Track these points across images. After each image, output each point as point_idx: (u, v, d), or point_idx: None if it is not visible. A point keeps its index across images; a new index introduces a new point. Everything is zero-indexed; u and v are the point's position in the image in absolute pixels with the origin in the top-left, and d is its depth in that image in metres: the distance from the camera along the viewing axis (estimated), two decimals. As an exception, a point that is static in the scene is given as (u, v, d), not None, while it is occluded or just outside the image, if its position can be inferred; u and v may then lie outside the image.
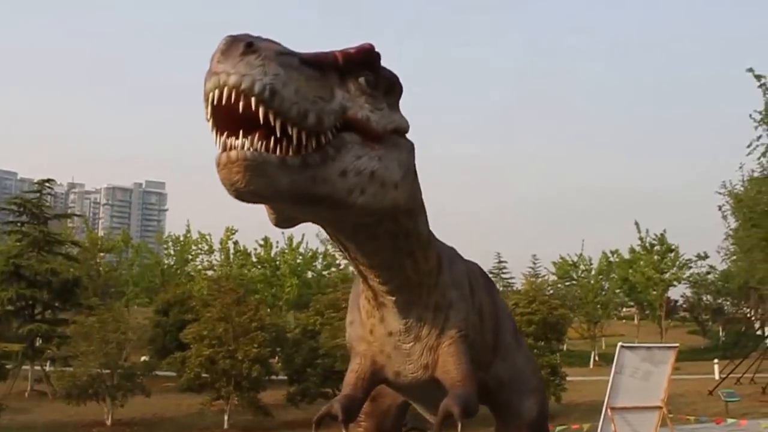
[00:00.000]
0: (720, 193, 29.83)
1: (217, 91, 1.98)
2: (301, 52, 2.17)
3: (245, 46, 1.99)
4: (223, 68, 1.97)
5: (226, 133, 2.06)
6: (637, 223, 47.02)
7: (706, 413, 18.29)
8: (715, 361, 33.04)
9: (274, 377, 22.41)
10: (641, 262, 45.89)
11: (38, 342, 27.81)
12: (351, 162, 2.23)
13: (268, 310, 33.52)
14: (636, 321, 56.30)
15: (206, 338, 20.11)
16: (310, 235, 46.77)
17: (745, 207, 28.00)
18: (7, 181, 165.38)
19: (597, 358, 42.95)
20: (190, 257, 46.69)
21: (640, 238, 46.85)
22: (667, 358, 11.72)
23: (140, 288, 44.53)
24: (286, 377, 23.12)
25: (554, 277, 47.78)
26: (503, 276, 58.53)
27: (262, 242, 46.43)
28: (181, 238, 46.70)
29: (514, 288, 47.39)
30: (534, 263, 52.84)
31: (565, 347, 37.44)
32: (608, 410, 11.43)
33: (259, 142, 2.03)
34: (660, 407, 11.71)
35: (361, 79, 2.36)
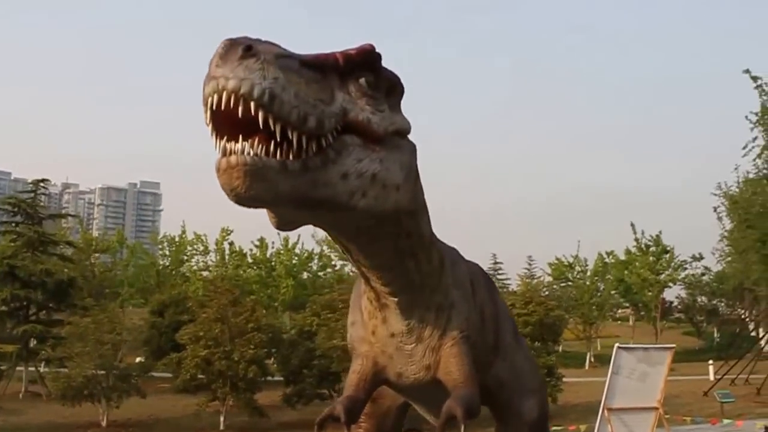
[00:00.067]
0: (715, 195, 29.96)
1: (216, 96, 1.96)
2: (301, 54, 2.15)
3: (244, 49, 1.97)
4: (221, 72, 1.95)
5: (225, 138, 2.05)
6: (632, 225, 47.25)
7: (701, 414, 18.37)
8: (710, 362, 33.12)
9: (269, 378, 22.38)
10: (637, 263, 46.05)
11: (32, 343, 27.69)
12: (352, 165, 2.22)
13: (264, 311, 33.47)
14: (631, 322, 56.44)
15: (202, 339, 20.07)
16: (306, 235, 46.69)
17: (741, 208, 28.10)
18: (1, 181, 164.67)
19: (592, 359, 43.04)
20: (185, 258, 46.60)
21: (636, 239, 47.06)
22: (663, 359, 11.76)
23: (135, 289, 44.43)
24: (282, 378, 23.09)
25: (550, 278, 47.94)
26: (499, 277, 58.64)
27: (257, 243, 46.42)
28: (177, 239, 46.62)
29: (510, 289, 47.44)
30: (529, 264, 52.99)
31: (560, 348, 37.53)
32: (605, 411, 11.45)
33: (259, 147, 2.02)
34: (656, 408, 11.74)
35: (362, 81, 2.34)
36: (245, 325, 20.44)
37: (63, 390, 20.12)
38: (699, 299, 54.36)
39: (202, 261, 46.40)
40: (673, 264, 46.60)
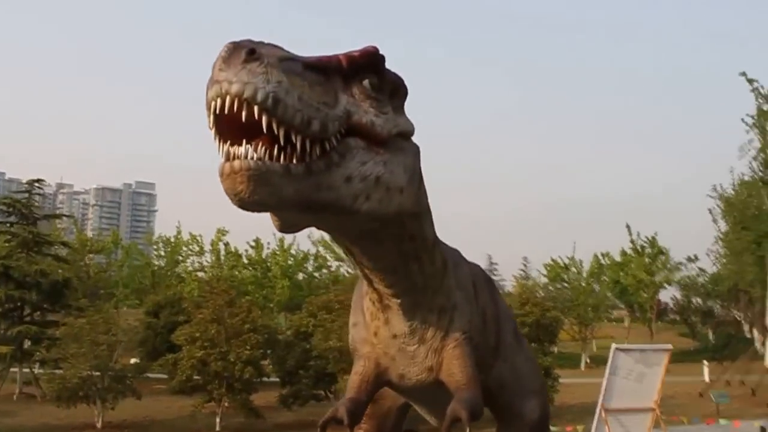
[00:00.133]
0: (711, 197, 30.17)
1: (219, 100, 1.95)
2: (304, 57, 2.14)
3: (247, 52, 1.96)
4: (225, 76, 1.94)
5: (229, 142, 2.04)
6: (628, 226, 47.43)
7: (696, 415, 18.43)
8: (705, 363, 33.27)
9: (265, 379, 22.34)
10: (632, 265, 46.23)
11: (27, 344, 27.55)
12: (356, 168, 2.21)
13: (259, 312, 33.46)
14: (626, 323, 56.60)
15: (198, 340, 20.02)
16: (302, 236, 46.75)
17: (736, 210, 28.28)
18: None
19: (588, 361, 43.11)
20: (180, 259, 46.53)
21: (632, 241, 47.24)
22: (660, 359, 11.78)
23: (130, 289, 44.33)
24: (278, 379, 23.05)
25: (545, 280, 48.02)
26: (494, 278, 58.67)
27: (253, 244, 46.40)
28: (172, 240, 46.53)
29: (505, 290, 47.53)
30: (525, 265, 53.08)
31: (556, 349, 37.56)
32: (602, 412, 11.47)
33: (263, 151, 2.01)
34: (653, 409, 11.76)
35: (366, 83, 2.34)
36: (241, 325, 20.39)
37: (58, 391, 20.03)
38: (694, 300, 54.60)
39: (198, 262, 46.35)
40: (668, 265, 46.81)
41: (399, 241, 2.72)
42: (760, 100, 24.20)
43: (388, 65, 2.43)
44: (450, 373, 3.19)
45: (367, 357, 3.33)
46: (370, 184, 2.26)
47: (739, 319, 52.00)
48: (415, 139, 2.62)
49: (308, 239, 45.23)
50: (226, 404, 20.48)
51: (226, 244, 45.91)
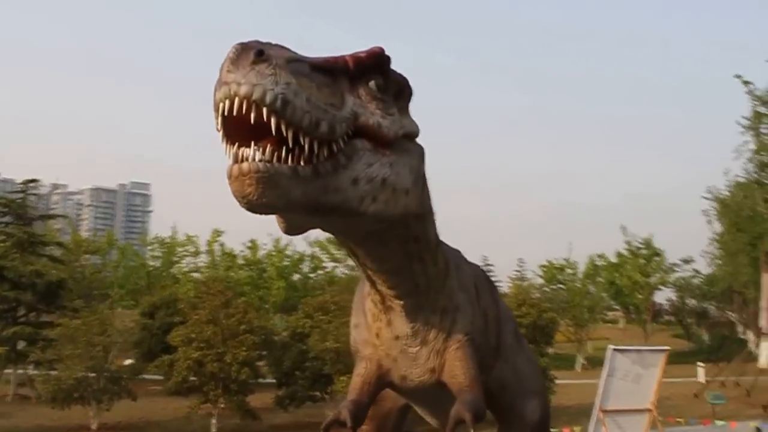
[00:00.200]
0: (706, 198, 30.29)
1: (227, 102, 1.94)
2: (311, 58, 2.14)
3: (256, 54, 1.95)
4: (233, 78, 1.94)
5: (237, 144, 2.03)
6: (623, 228, 47.55)
7: (692, 416, 18.48)
8: (700, 364, 33.38)
9: (261, 380, 22.29)
10: (627, 266, 46.37)
11: (21, 345, 27.43)
12: (362, 170, 2.21)
13: (255, 313, 33.43)
14: (621, 324, 56.76)
15: (194, 341, 19.97)
16: (298, 237, 46.65)
17: (731, 212, 28.40)
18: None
19: (584, 362, 43.19)
20: (176, 259, 46.44)
21: (627, 242, 47.37)
22: (657, 360, 11.82)
23: (125, 290, 44.21)
24: (274, 380, 23.01)
25: (541, 281, 48.11)
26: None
27: (248, 244, 46.33)
28: (167, 240, 46.44)
29: (501, 292, 47.54)
30: (520, 267, 53.17)
31: (551, 350, 37.63)
32: (599, 413, 11.49)
33: (270, 153, 2.00)
34: (650, 410, 11.79)
35: (372, 84, 2.34)
36: (237, 326, 20.35)
37: (53, 392, 19.94)
38: (689, 302, 54.81)
39: (193, 263, 46.27)
40: (663, 267, 46.95)
41: (404, 243, 2.72)
42: (756, 102, 24.42)
43: (401, 71, 2.43)
44: (452, 375, 3.18)
45: (369, 359, 3.32)
46: (377, 185, 2.26)
47: (733, 320, 52.22)
48: (420, 141, 2.62)
49: (304, 240, 45.21)
50: (222, 405, 20.43)
51: (222, 245, 45.88)
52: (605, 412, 11.46)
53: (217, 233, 45.62)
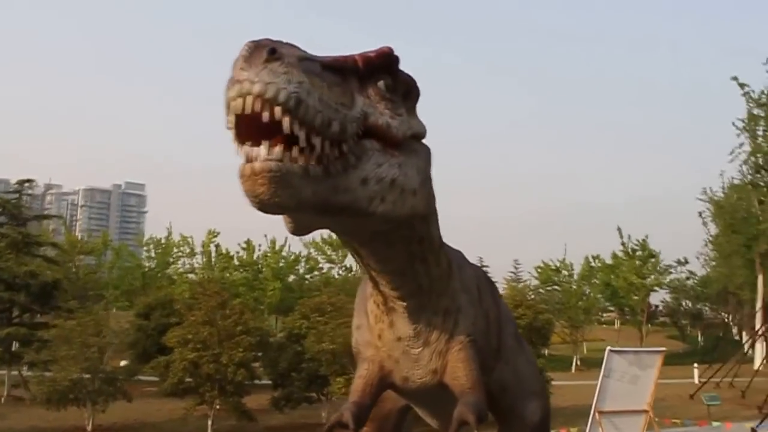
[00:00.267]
0: (701, 200, 30.39)
1: (240, 100, 1.93)
2: (321, 57, 2.13)
3: (269, 52, 1.94)
4: (246, 76, 1.93)
5: (248, 143, 2.02)
6: (619, 229, 47.67)
7: (687, 417, 18.55)
8: (695, 365, 33.51)
9: (257, 382, 22.23)
10: (623, 267, 46.49)
11: (15, 346, 27.30)
12: (372, 170, 2.21)
13: (251, 314, 33.39)
14: (616, 326, 56.93)
15: (190, 342, 19.88)
16: (293, 238, 46.62)
17: (726, 213, 28.51)
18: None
19: (579, 363, 43.28)
20: (171, 260, 46.34)
21: (623, 244, 47.50)
22: (654, 362, 11.85)
23: (120, 291, 44.09)
24: (270, 382, 22.95)
25: (536, 282, 48.20)
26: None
27: (244, 245, 46.26)
28: (163, 241, 46.35)
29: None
30: (516, 268, 53.24)
31: (547, 352, 37.69)
32: (596, 414, 11.51)
33: (282, 152, 1.99)
34: (647, 411, 11.82)
35: (381, 84, 2.34)
36: (234, 327, 20.28)
37: (48, 394, 19.80)
38: (684, 303, 55.03)
39: (189, 263, 46.18)
40: (658, 268, 47.09)
41: (408, 243, 2.72)
42: (751, 105, 24.53)
43: (410, 71, 2.44)
44: (455, 377, 3.18)
45: (371, 360, 3.32)
46: (386, 186, 2.26)
47: (727, 321, 52.48)
48: (426, 141, 2.63)
49: (299, 241, 45.18)
50: (218, 407, 20.35)
51: (217, 246, 45.78)
52: (602, 413, 11.48)
53: (213, 234, 45.55)
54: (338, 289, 27.37)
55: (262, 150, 1.99)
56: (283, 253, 45.98)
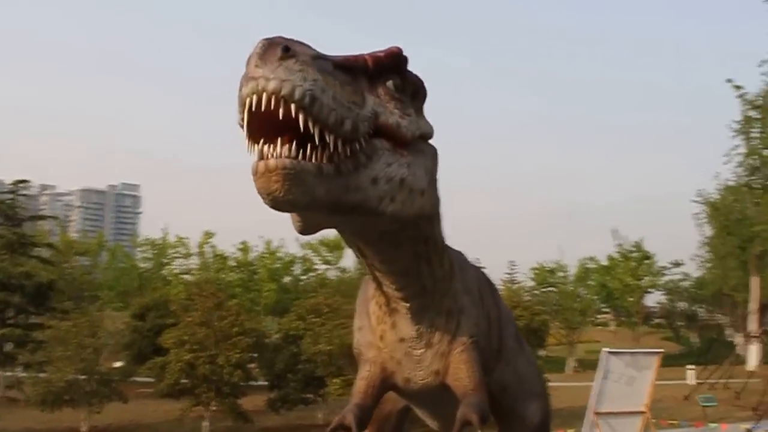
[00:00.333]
0: (696, 202, 30.50)
1: (255, 97, 1.93)
2: (332, 56, 2.14)
3: (283, 50, 1.95)
4: (261, 73, 1.92)
5: (262, 141, 2.02)
6: (615, 230, 47.84)
7: (683, 418, 18.59)
8: (690, 367, 33.59)
9: (253, 383, 22.21)
10: (619, 269, 46.62)
11: (9, 347, 27.18)
12: (382, 169, 2.21)
13: (246, 315, 33.34)
14: (612, 327, 57.03)
15: (187, 343, 19.85)
16: (289, 239, 46.62)
17: (721, 215, 28.62)
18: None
19: (575, 364, 43.35)
20: (166, 261, 46.24)
21: (618, 245, 47.65)
22: (650, 363, 11.88)
23: (115, 292, 43.95)
24: (266, 383, 22.92)
25: (532, 283, 48.25)
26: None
27: (240, 246, 46.20)
28: (158, 242, 46.25)
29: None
30: (511, 269, 53.24)
31: (543, 353, 37.73)
32: (593, 415, 11.52)
33: (296, 150, 2.00)
34: (643, 412, 11.84)
35: (390, 84, 2.34)
36: (230, 329, 20.26)
37: (43, 395, 19.75)
38: (678, 305, 55.16)
39: (184, 264, 46.09)
40: (653, 270, 47.24)
41: (414, 244, 2.72)
42: (746, 106, 24.69)
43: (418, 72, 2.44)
44: (457, 378, 3.18)
45: (373, 361, 3.31)
46: (395, 186, 2.26)
47: (722, 323, 52.62)
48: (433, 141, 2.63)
49: (295, 242, 45.14)
50: (214, 408, 20.33)
51: (213, 247, 45.73)
52: (599, 414, 11.50)
53: (209, 235, 45.50)
54: (334, 290, 27.35)
55: (276, 148, 1.99)
56: (279, 255, 45.96)
